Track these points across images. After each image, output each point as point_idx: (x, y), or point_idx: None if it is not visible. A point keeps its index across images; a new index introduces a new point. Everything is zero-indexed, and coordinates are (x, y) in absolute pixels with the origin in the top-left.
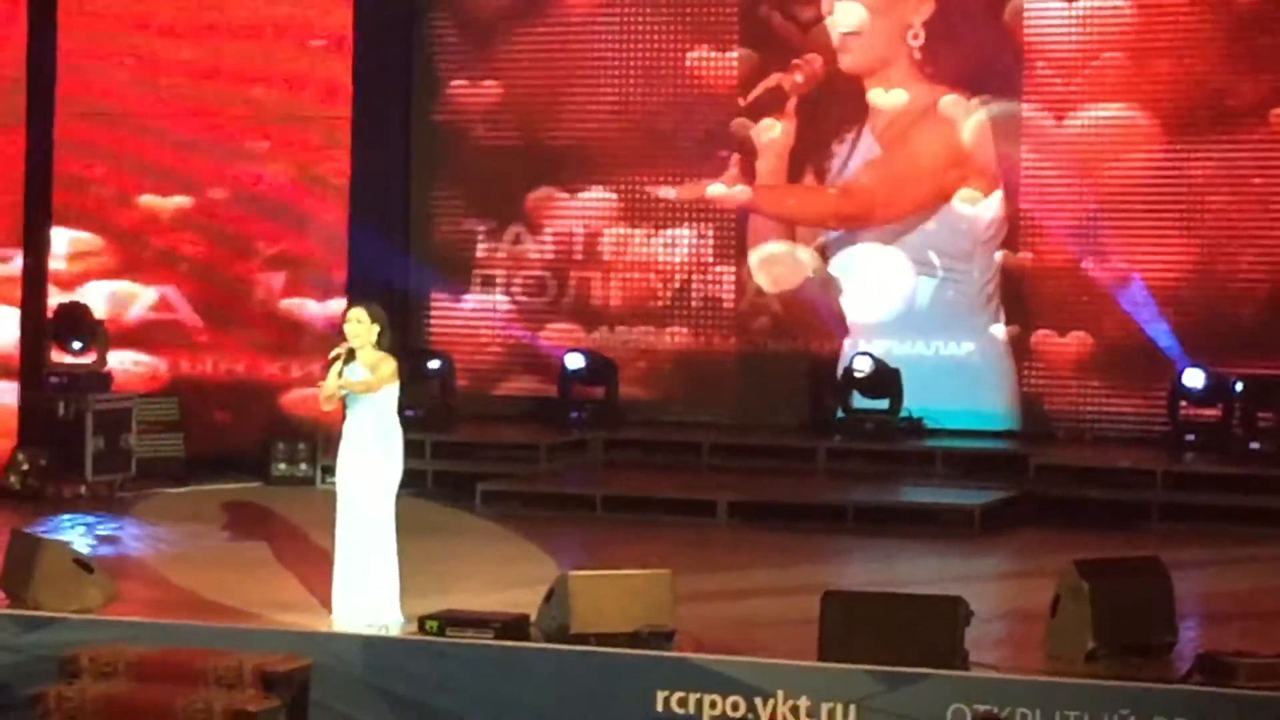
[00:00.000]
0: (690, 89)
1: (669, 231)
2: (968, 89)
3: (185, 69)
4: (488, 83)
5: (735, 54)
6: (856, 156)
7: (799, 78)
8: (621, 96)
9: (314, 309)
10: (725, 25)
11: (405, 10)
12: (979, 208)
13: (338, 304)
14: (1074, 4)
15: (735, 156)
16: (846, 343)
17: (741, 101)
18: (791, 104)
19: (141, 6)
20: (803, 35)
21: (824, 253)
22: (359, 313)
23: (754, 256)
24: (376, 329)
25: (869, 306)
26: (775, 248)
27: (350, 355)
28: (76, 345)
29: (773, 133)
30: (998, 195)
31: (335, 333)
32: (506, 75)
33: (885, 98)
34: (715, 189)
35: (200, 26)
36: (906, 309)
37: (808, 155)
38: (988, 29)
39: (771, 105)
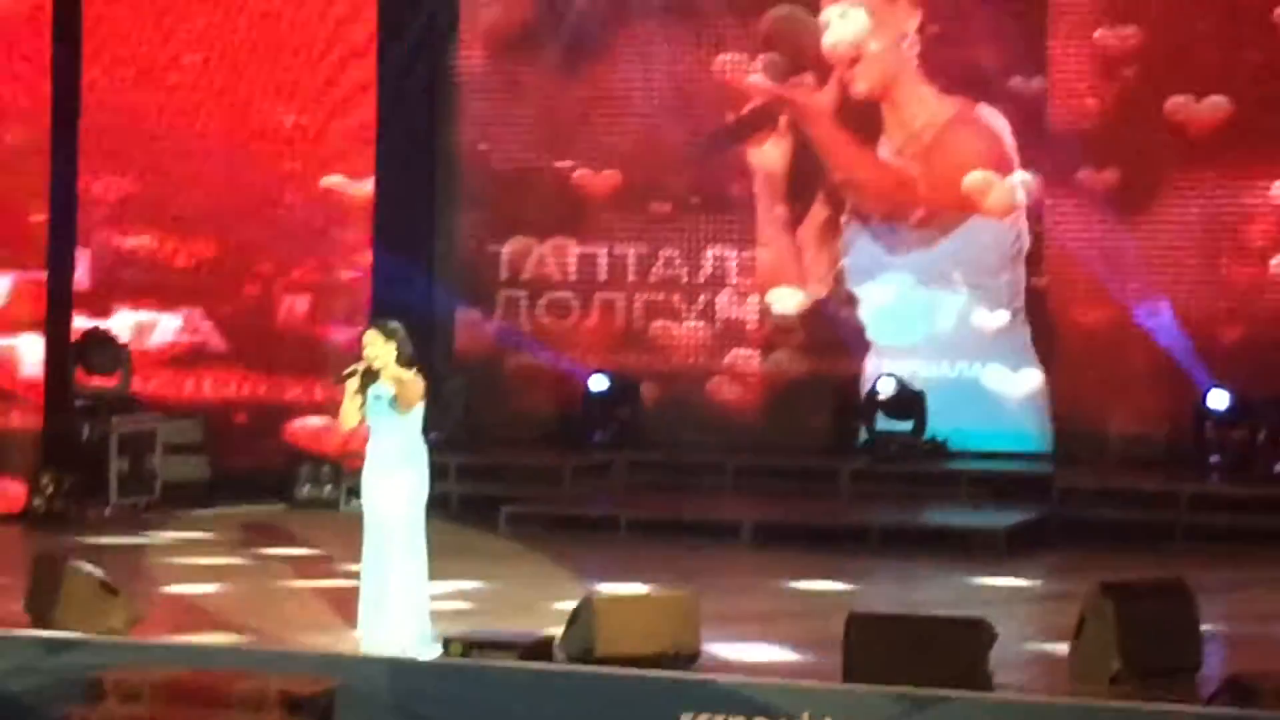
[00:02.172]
0: (715, 107)
1: (693, 253)
2: (982, 94)
3: (208, 89)
4: (510, 104)
5: (759, 76)
6: (874, 178)
7: (796, 97)
8: (644, 117)
9: (338, 331)
10: (749, 42)
11: (428, 32)
12: (1003, 222)
13: (362, 326)
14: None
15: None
16: (867, 362)
17: (730, 117)
18: (784, 122)
19: (164, 29)
20: (807, 57)
21: (841, 277)
22: (373, 334)
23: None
24: (393, 345)
25: (893, 328)
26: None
27: (374, 376)
28: (101, 368)
29: (770, 153)
30: (1021, 208)
31: (357, 355)
32: (529, 97)
33: (898, 115)
34: (759, 155)
35: (222, 46)
36: (930, 331)
37: (814, 177)
38: (993, 26)
39: (762, 123)
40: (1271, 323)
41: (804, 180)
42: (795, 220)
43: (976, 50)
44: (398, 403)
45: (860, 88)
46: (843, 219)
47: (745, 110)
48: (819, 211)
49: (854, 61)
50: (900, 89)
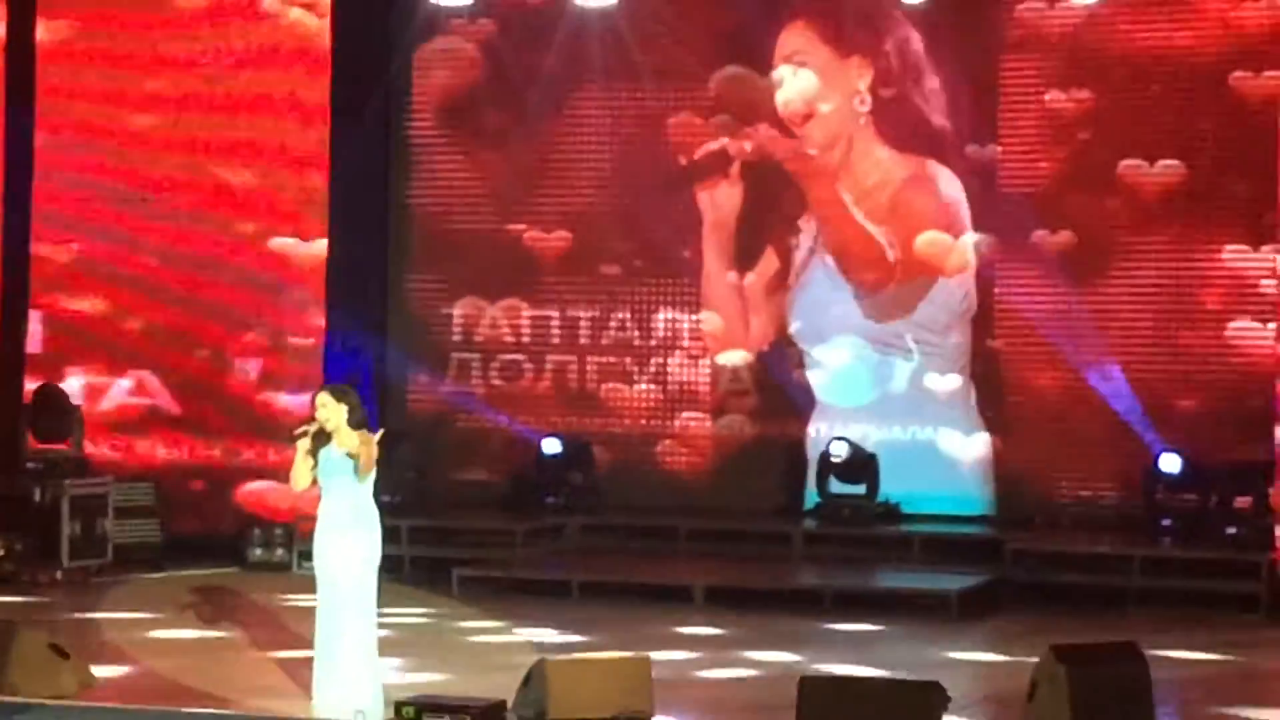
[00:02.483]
0: (671, 166)
1: (645, 316)
2: (935, 154)
3: (160, 152)
4: (463, 168)
5: (716, 138)
6: (825, 236)
7: (747, 145)
8: (599, 177)
9: (290, 393)
10: (700, 104)
11: (381, 94)
12: (953, 282)
13: (314, 388)
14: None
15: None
16: (819, 425)
17: (683, 161)
18: (735, 169)
19: (118, 83)
20: (759, 115)
21: (792, 339)
22: (324, 396)
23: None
24: (344, 408)
25: (844, 391)
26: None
27: (326, 438)
28: (52, 431)
29: (722, 201)
30: (971, 269)
31: (310, 417)
32: (481, 160)
33: (851, 174)
34: (710, 202)
35: (176, 108)
36: (882, 393)
37: (765, 228)
38: (945, 87)
39: (714, 169)
40: (1223, 387)
41: (754, 237)
42: (744, 282)
43: (929, 111)
44: (359, 468)
45: (813, 145)
46: (791, 279)
47: (699, 154)
48: (768, 270)
49: (806, 119)
50: (853, 147)
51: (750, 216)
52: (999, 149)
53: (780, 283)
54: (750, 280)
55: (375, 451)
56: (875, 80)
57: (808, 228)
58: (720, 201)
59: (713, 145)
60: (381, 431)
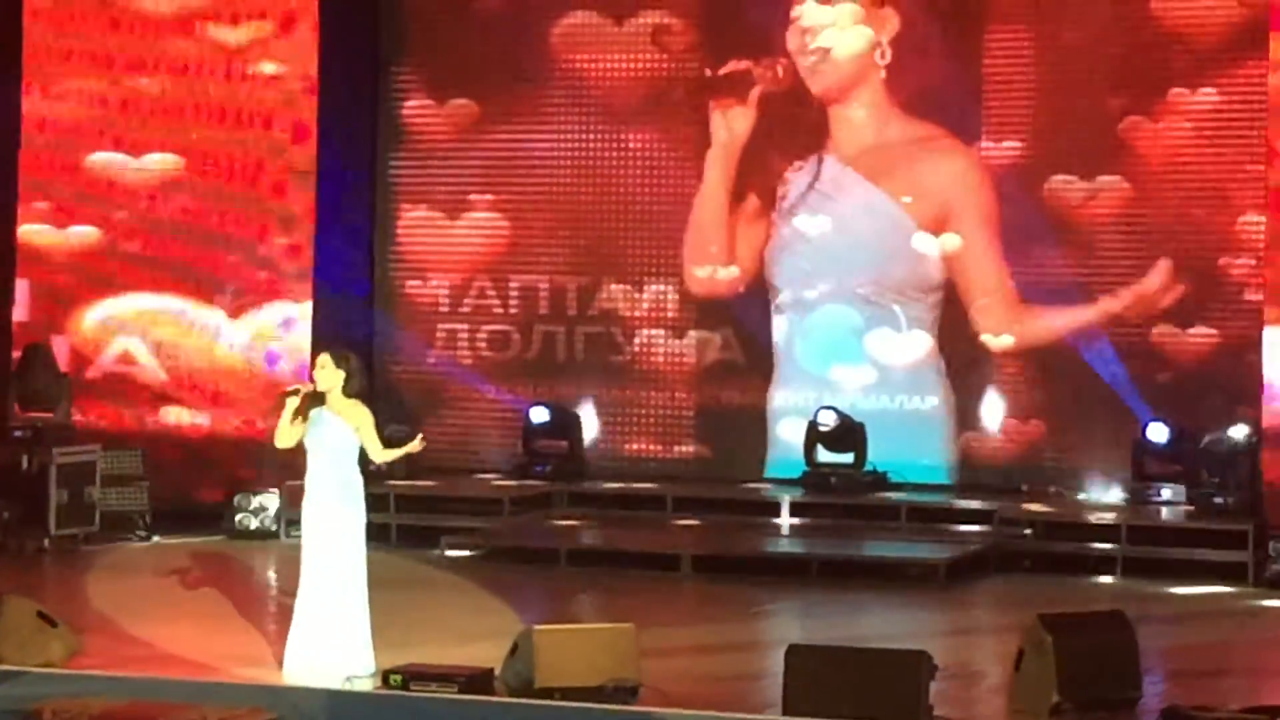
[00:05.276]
0: (667, 109)
1: (633, 287)
2: (933, 120)
3: (149, 108)
4: (452, 134)
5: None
6: (820, 184)
7: (769, 73)
8: (591, 139)
9: (279, 361)
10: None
11: (370, 62)
12: (943, 251)
13: (302, 358)
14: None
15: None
16: (806, 394)
17: (709, 73)
18: (755, 93)
19: (104, 45)
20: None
21: (779, 308)
22: (325, 358)
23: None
24: (342, 374)
25: (831, 359)
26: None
27: (320, 400)
28: (39, 398)
29: (736, 123)
30: (962, 238)
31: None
32: (470, 127)
33: (849, 124)
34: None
35: (164, 68)
36: (870, 362)
37: (760, 169)
38: (950, 59)
39: (736, 89)
40: (1211, 356)
41: (746, 184)
42: (733, 242)
43: (930, 80)
44: (370, 450)
45: (817, 85)
46: (775, 235)
47: (722, 70)
48: (755, 231)
49: (819, 60)
50: (859, 97)
51: (750, 159)
52: (983, 115)
53: (766, 238)
54: (738, 233)
55: (370, 426)
56: (900, 36)
57: (799, 178)
58: (737, 126)
59: (738, 65)
60: (420, 438)
